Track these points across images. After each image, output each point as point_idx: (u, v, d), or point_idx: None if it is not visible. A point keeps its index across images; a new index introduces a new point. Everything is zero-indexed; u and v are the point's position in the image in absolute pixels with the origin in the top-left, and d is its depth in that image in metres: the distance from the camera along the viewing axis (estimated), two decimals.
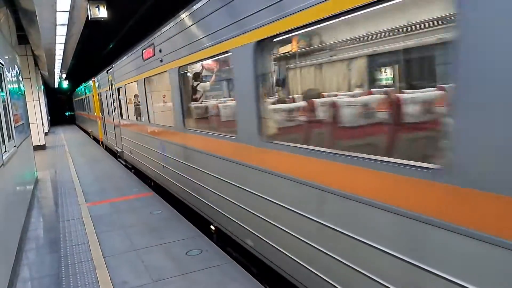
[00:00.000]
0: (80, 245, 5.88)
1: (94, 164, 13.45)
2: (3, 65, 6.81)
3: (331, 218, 3.27)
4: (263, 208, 4.27)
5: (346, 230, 3.09)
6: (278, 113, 4.67)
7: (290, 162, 3.73)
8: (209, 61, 7.02)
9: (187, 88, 7.15)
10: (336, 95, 5.35)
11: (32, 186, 9.91)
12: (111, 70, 12.88)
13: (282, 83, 7.20)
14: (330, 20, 3.06)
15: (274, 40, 3.90)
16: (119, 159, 13.93)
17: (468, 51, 2.07)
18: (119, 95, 12.37)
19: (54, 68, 24.08)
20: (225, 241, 5.75)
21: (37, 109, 18.69)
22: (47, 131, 28.05)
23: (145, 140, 9.43)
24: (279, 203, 3.96)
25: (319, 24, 3.18)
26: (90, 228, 6.57)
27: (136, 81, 9.41)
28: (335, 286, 3.28)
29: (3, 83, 6.78)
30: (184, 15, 5.89)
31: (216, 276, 4.57)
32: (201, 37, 5.35)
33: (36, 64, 21.57)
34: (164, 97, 9.01)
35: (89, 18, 8.61)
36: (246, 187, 4.59)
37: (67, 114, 50.24)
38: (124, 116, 12.02)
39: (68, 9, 9.55)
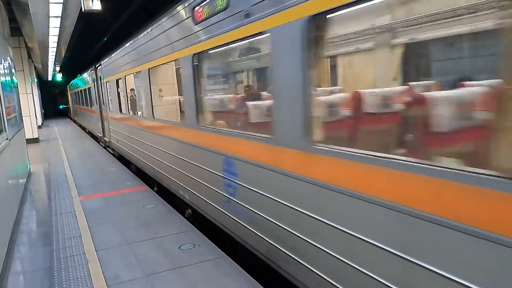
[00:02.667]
0: (72, 238, 5.85)
1: (88, 157, 13.38)
2: None
3: None
4: None
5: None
6: None
7: None
8: None
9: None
10: None
11: (25, 180, 9.85)
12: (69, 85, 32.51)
13: None
14: None
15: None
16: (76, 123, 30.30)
17: None
18: (75, 96, 28.90)
19: (48, 60, 23.88)
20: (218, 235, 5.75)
21: (30, 102, 18.53)
22: (40, 124, 27.86)
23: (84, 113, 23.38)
24: None
25: None
26: (83, 222, 6.55)
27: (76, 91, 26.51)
28: None
29: None
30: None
31: (209, 270, 4.57)
32: None
33: (29, 56, 21.37)
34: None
35: (83, 10, 8.50)
36: None
37: (60, 107, 49.88)
38: (77, 104, 27.55)
39: (62, 1, 9.46)
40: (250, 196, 4.31)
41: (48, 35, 14.21)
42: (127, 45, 9.52)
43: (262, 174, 3.98)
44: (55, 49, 18.79)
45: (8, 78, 8.75)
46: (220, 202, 5.09)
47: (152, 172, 8.55)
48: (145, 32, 7.74)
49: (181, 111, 6.76)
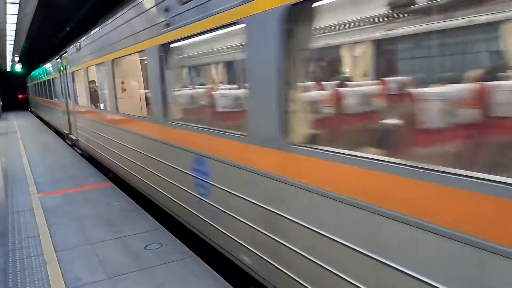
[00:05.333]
0: (30, 238, 5.54)
1: (48, 152, 12.85)
2: None
3: None
4: None
5: None
6: None
7: None
8: None
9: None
10: None
11: None
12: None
13: None
14: None
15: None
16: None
17: None
18: (28, 88, 39.30)
19: (6, 50, 22.83)
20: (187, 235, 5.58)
21: None
22: None
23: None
24: None
25: None
26: (42, 220, 6.22)
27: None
28: None
29: None
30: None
31: (177, 271, 4.40)
32: None
33: None
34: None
35: None
36: None
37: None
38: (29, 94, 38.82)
39: None
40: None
41: (6, 23, 13.56)
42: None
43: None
44: (13, 38, 17.97)
45: None
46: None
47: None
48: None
49: None
